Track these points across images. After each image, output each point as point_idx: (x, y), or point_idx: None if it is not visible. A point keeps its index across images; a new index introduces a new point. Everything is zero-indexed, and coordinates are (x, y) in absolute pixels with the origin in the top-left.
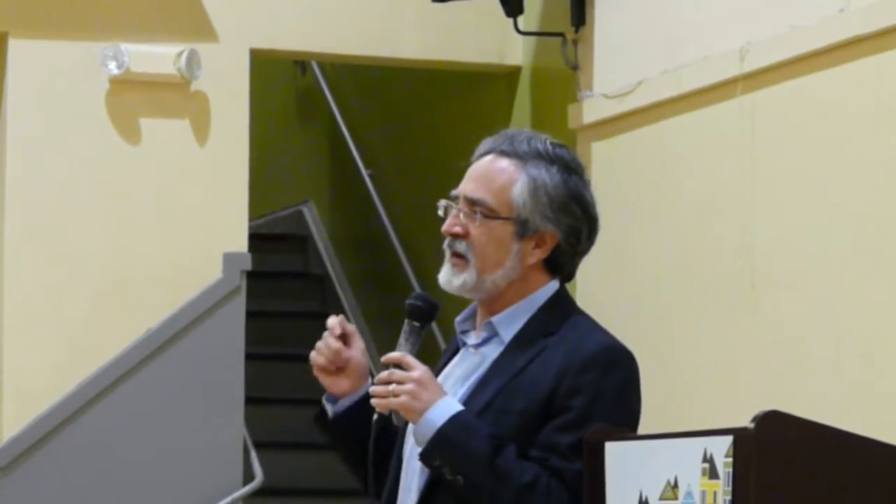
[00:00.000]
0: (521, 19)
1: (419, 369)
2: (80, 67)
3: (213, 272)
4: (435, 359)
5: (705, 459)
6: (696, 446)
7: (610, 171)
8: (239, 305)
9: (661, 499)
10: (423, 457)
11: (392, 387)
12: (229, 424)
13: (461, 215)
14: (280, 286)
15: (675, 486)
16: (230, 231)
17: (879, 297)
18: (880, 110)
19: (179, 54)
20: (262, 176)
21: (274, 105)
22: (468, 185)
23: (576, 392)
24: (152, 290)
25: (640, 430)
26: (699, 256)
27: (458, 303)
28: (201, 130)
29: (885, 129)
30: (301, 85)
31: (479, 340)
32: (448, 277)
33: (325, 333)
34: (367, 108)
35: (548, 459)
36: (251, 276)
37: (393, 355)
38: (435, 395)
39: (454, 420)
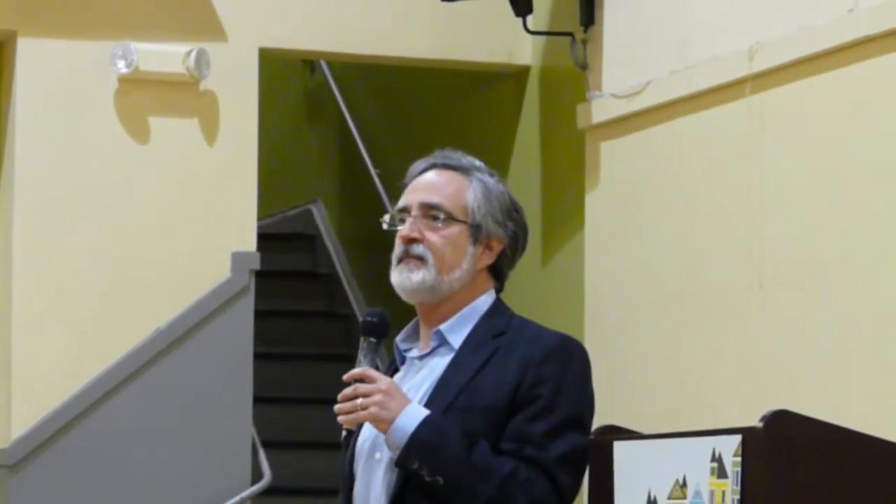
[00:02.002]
0: (530, 19)
1: (383, 380)
2: (89, 66)
3: (221, 271)
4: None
5: (714, 459)
6: (705, 445)
7: (618, 171)
8: (247, 305)
9: (669, 498)
10: (400, 462)
11: (359, 401)
12: (237, 423)
13: (418, 222)
14: (288, 286)
15: (684, 485)
16: (239, 230)
17: (888, 297)
18: (889, 110)
19: (188, 53)
20: (270, 175)
21: (283, 104)
22: (419, 195)
23: (540, 382)
24: (161, 290)
25: (650, 430)
26: (708, 256)
27: (406, 318)
28: (210, 130)
29: (894, 128)
30: (310, 84)
31: (427, 351)
32: (406, 275)
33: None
34: (376, 108)
35: (522, 450)
36: (260, 275)
37: (354, 372)
38: (402, 403)
39: (425, 423)
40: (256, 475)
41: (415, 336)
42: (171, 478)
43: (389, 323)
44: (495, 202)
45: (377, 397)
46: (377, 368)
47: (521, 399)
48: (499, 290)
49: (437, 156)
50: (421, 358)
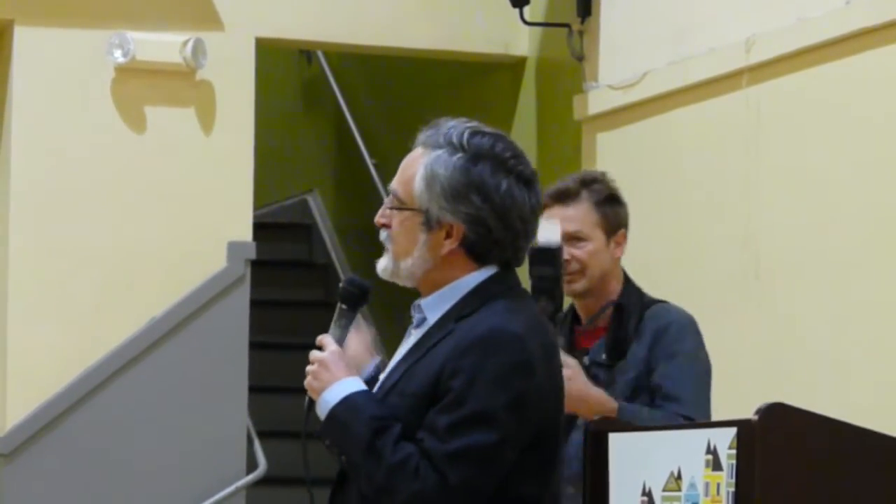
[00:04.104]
0: (526, 10)
1: (329, 349)
2: (85, 55)
3: (217, 261)
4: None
5: (709, 451)
6: (700, 438)
7: (615, 162)
8: (243, 294)
9: (664, 490)
10: (319, 436)
11: (308, 367)
12: (233, 413)
13: (385, 207)
14: (284, 275)
15: (679, 477)
16: (235, 220)
17: (884, 288)
18: (886, 102)
19: (185, 43)
20: (267, 165)
21: (279, 94)
22: (395, 177)
23: (456, 374)
24: (157, 279)
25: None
26: (704, 247)
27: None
28: (206, 119)
29: (891, 120)
30: (306, 74)
31: (415, 323)
32: (378, 263)
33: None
34: (373, 98)
35: (423, 440)
36: (255, 265)
37: (319, 337)
38: (335, 376)
39: (344, 401)
40: (251, 465)
41: None
42: (166, 467)
43: (366, 292)
44: (437, 187)
45: (314, 367)
46: (344, 336)
47: (439, 390)
48: (510, 266)
49: (431, 127)
50: (415, 329)
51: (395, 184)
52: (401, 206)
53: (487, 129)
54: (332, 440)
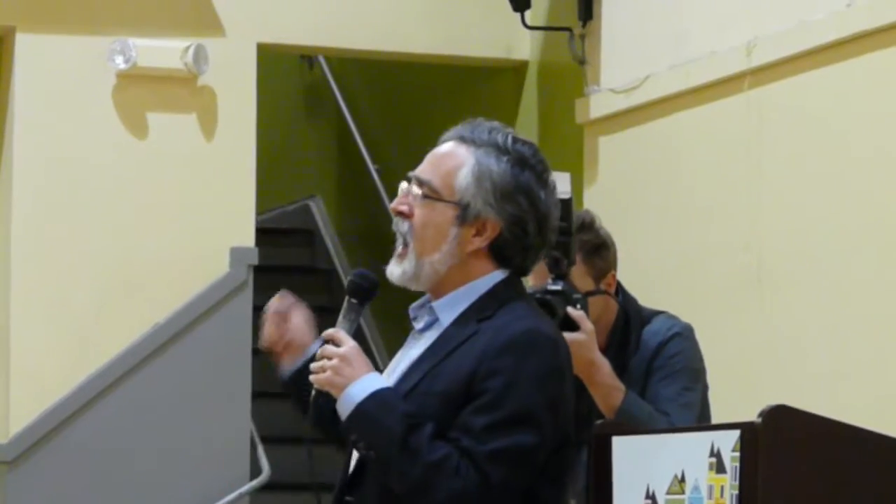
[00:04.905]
0: (528, 14)
1: (346, 345)
2: (87, 62)
3: (220, 267)
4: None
5: (712, 454)
6: (704, 441)
7: (617, 166)
8: (246, 300)
9: (668, 493)
10: (344, 431)
11: (323, 362)
12: (236, 419)
13: (410, 195)
14: (287, 281)
15: (683, 480)
16: (237, 226)
17: (886, 292)
18: (887, 105)
19: (186, 49)
20: (269, 170)
21: (281, 100)
22: (421, 167)
23: (493, 374)
24: (159, 285)
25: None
26: (706, 251)
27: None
28: (208, 125)
29: (892, 123)
30: (308, 79)
31: (423, 326)
32: (390, 269)
33: (265, 316)
34: (375, 103)
35: (460, 440)
36: (258, 270)
37: (328, 331)
38: (358, 371)
39: (373, 396)
40: (255, 470)
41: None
42: (169, 473)
43: (375, 286)
44: (488, 183)
45: (334, 362)
46: (352, 331)
47: (473, 390)
48: (519, 274)
49: (466, 125)
50: (421, 332)
51: (427, 174)
52: (436, 196)
53: (521, 136)
54: (360, 434)
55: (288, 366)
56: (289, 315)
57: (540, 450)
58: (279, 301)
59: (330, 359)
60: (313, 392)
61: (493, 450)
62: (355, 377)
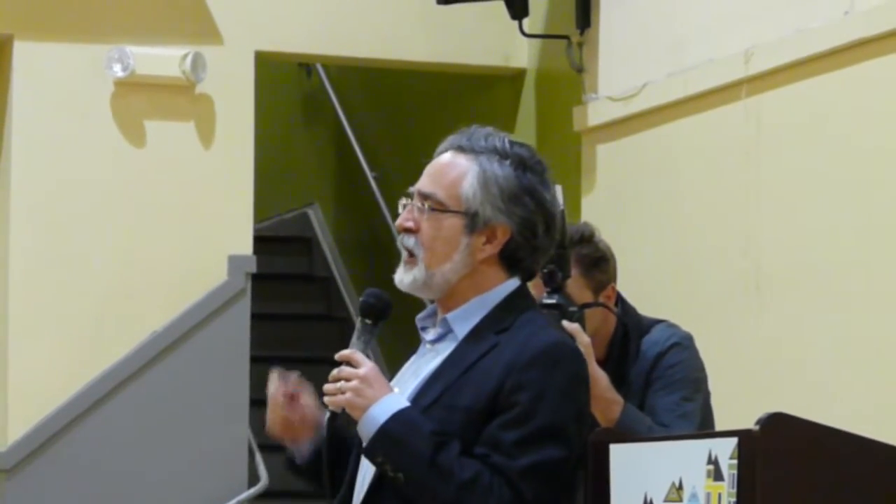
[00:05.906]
0: (526, 22)
1: (365, 366)
2: (85, 70)
3: (218, 275)
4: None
5: (710, 461)
6: (701, 448)
7: (615, 174)
8: (244, 308)
9: (665, 500)
10: (367, 453)
11: (340, 384)
12: (234, 427)
13: (415, 210)
14: (285, 289)
15: (680, 487)
16: (235, 234)
17: (884, 298)
18: (885, 112)
19: (184, 57)
20: (267, 178)
21: (279, 108)
22: (422, 181)
23: (520, 388)
24: (157, 293)
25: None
26: (704, 258)
27: (418, 302)
28: (206, 133)
29: (890, 131)
30: (306, 87)
31: (435, 337)
32: (400, 277)
33: (269, 401)
34: (373, 111)
35: (489, 456)
36: (256, 278)
37: (343, 353)
38: (379, 392)
39: (397, 417)
40: (253, 478)
41: (435, 316)
42: (167, 481)
43: (388, 305)
44: (495, 188)
45: (354, 383)
46: (367, 351)
47: (500, 404)
48: (525, 279)
49: (461, 134)
50: (433, 343)
51: (429, 187)
52: (443, 208)
53: (518, 140)
54: (385, 457)
55: (305, 446)
56: (298, 394)
57: (569, 462)
58: (280, 382)
59: (348, 380)
60: (327, 414)
61: (525, 466)
62: (377, 398)
